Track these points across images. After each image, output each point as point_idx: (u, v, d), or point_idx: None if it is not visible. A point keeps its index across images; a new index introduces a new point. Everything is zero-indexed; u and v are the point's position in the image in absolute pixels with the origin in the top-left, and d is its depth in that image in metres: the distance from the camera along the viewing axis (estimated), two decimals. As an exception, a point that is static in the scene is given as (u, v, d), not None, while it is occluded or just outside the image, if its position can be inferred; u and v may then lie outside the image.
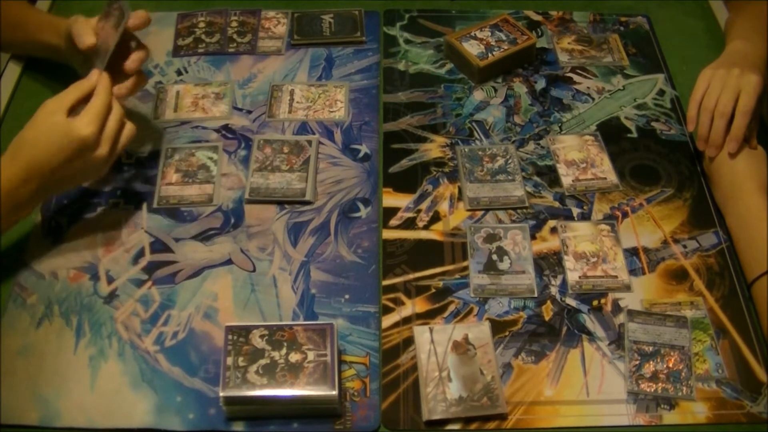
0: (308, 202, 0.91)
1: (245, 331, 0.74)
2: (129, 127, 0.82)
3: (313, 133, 0.99)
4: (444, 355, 0.78)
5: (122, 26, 0.84)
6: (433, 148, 0.98)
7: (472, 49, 1.05)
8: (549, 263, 0.87)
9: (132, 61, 0.87)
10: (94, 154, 0.78)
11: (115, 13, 0.86)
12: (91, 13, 0.89)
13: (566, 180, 0.94)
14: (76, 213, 0.89)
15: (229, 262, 0.86)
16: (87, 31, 0.85)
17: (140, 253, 0.86)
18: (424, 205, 0.92)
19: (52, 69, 1.04)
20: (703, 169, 0.95)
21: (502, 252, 0.87)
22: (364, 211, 0.91)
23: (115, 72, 0.87)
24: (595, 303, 0.83)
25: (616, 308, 0.83)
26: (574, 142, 0.99)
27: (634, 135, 1.00)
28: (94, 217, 0.89)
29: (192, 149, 0.96)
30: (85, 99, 0.79)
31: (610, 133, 1.00)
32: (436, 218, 0.91)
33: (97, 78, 0.81)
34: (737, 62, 0.91)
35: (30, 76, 1.05)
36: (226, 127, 0.99)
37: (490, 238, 0.88)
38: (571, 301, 0.83)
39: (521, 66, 1.08)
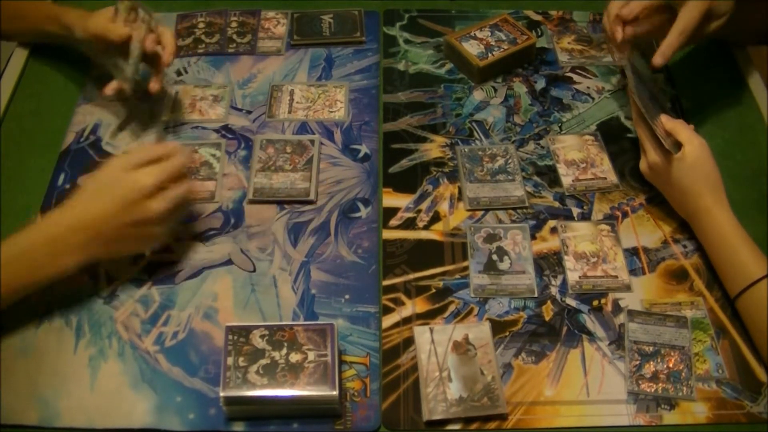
0: (311, 202, 0.91)
1: (245, 331, 0.74)
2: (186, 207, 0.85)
3: (313, 133, 0.99)
4: (444, 355, 0.78)
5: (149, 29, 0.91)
6: (433, 148, 0.98)
7: (471, 49, 1.05)
8: (549, 263, 0.86)
9: (168, 55, 0.92)
10: (150, 205, 0.76)
11: (141, 21, 0.90)
12: (90, 7, 0.90)
13: (566, 180, 0.94)
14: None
15: (229, 262, 0.86)
16: (116, 26, 0.88)
17: (140, 254, 0.86)
18: (424, 205, 0.92)
19: (54, 69, 1.04)
20: None
21: (502, 252, 0.87)
22: (364, 211, 0.91)
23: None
24: (595, 303, 0.83)
25: (617, 308, 0.83)
26: (574, 141, 0.99)
27: (634, 135, 1.00)
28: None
29: (195, 146, 0.96)
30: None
31: (610, 133, 1.00)
32: (436, 218, 0.91)
33: (173, 148, 0.81)
34: None
35: (31, 76, 1.05)
36: (226, 128, 0.99)
37: (490, 238, 0.88)
38: (571, 301, 0.83)
39: (521, 66, 1.08)
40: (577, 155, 0.97)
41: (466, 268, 0.86)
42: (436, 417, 0.73)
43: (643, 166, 0.89)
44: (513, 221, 0.90)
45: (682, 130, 0.84)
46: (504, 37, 1.07)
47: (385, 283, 0.85)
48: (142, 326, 0.80)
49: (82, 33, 0.91)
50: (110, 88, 0.90)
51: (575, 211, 0.92)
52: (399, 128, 1.00)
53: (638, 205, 0.92)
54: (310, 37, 1.11)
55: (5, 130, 0.98)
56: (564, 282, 0.85)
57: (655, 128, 0.84)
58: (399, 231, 0.89)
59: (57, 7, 1.01)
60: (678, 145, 0.83)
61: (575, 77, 1.07)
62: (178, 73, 1.06)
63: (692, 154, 0.82)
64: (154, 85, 0.92)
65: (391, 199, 0.92)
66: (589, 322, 0.82)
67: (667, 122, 0.85)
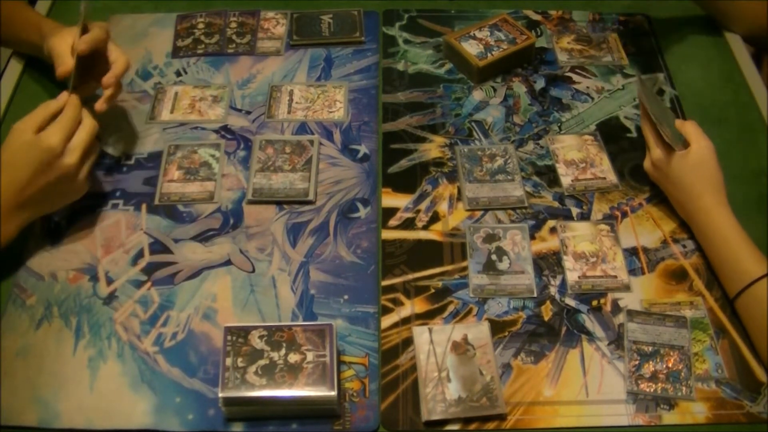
0: (311, 202, 0.91)
1: (244, 331, 0.74)
2: (94, 144, 0.84)
3: (312, 134, 0.99)
4: (443, 355, 0.78)
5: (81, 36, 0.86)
6: (433, 148, 0.98)
7: (471, 48, 1.05)
8: (548, 263, 0.86)
9: (108, 77, 0.89)
10: (62, 162, 0.79)
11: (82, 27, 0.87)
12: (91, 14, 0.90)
13: (565, 180, 0.94)
14: (76, 214, 0.89)
15: (228, 262, 0.86)
16: (65, 57, 0.86)
17: (139, 254, 0.86)
18: (423, 206, 0.92)
19: (53, 71, 1.04)
20: None
21: (501, 252, 0.87)
22: (363, 212, 0.91)
23: (92, 78, 0.90)
24: (594, 303, 0.83)
25: (616, 308, 0.83)
26: (574, 141, 0.99)
27: (634, 135, 1.00)
28: (93, 218, 0.89)
29: (194, 146, 0.96)
30: (54, 117, 0.81)
31: (610, 133, 1.00)
32: (435, 218, 0.91)
33: (65, 99, 0.82)
34: None
35: (31, 76, 1.05)
36: (225, 128, 0.99)
37: (490, 238, 0.88)
38: (571, 301, 0.83)
39: (520, 66, 1.08)
40: (577, 155, 0.97)
41: (465, 268, 0.86)
42: (435, 417, 0.73)
43: (647, 164, 0.89)
44: (512, 221, 0.90)
45: (691, 129, 0.85)
46: (503, 37, 1.07)
47: (384, 283, 0.85)
48: (142, 327, 0.80)
49: (46, 47, 0.91)
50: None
51: (574, 211, 0.91)
52: (398, 128, 1.00)
53: (638, 204, 0.92)
54: (309, 37, 1.11)
55: (5, 130, 0.98)
56: (563, 282, 0.85)
57: (659, 125, 0.84)
58: (398, 231, 0.89)
59: (40, 16, 1.01)
60: (686, 144, 0.84)
61: (575, 77, 1.07)
62: (177, 74, 1.06)
63: (697, 153, 0.83)
64: (99, 105, 0.88)
65: (390, 199, 0.92)
66: (589, 322, 0.82)
67: (679, 122, 0.85)
